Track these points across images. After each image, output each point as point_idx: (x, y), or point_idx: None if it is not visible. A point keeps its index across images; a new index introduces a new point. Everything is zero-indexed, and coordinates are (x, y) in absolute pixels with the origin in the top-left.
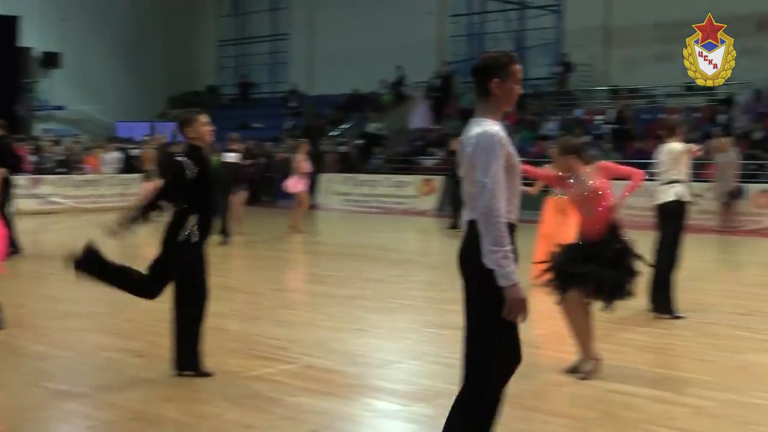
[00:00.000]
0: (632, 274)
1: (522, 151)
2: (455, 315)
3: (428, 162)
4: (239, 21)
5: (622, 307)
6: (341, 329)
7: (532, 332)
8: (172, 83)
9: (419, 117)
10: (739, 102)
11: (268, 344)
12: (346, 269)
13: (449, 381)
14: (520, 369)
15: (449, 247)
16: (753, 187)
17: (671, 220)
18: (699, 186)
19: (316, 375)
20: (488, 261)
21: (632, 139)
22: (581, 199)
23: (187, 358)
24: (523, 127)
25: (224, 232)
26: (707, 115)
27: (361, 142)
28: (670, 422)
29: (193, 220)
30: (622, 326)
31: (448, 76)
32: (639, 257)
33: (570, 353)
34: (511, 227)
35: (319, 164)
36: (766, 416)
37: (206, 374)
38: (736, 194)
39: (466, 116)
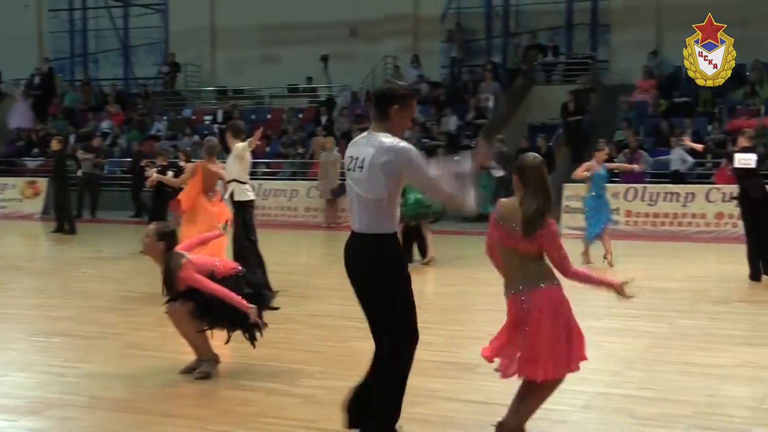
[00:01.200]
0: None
1: (129, 152)
2: (65, 322)
3: (32, 163)
4: None
5: None
6: None
7: (143, 335)
8: None
9: (19, 116)
10: (338, 103)
11: None
12: None
13: (61, 390)
14: (132, 372)
15: (57, 252)
16: None
17: (239, 216)
18: (304, 184)
19: None
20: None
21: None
22: None
23: None
24: (132, 127)
25: None
26: (311, 116)
27: None
28: (282, 413)
29: None
30: None
31: (49, 73)
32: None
33: (186, 353)
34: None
35: None
36: None
37: None
38: (338, 192)
39: (70, 116)
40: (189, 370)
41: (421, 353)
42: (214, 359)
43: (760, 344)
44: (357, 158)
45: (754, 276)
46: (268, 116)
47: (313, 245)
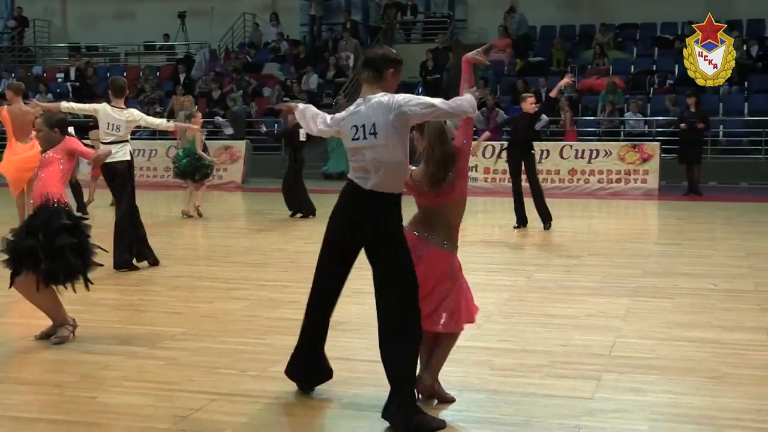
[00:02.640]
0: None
1: None
2: None
3: None
4: None
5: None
6: None
7: None
8: None
9: None
10: (197, 61)
11: None
12: None
13: None
14: None
15: None
16: (214, 144)
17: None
18: (163, 144)
19: None
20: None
21: (95, 98)
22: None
23: None
24: None
25: None
26: (168, 74)
27: None
28: (145, 376)
29: None
30: (96, 286)
31: None
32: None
33: (41, 318)
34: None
35: None
36: (233, 359)
37: None
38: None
39: None
40: (45, 336)
41: (283, 312)
42: (72, 324)
43: (610, 294)
44: (364, 125)
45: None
46: (124, 74)
47: (173, 206)
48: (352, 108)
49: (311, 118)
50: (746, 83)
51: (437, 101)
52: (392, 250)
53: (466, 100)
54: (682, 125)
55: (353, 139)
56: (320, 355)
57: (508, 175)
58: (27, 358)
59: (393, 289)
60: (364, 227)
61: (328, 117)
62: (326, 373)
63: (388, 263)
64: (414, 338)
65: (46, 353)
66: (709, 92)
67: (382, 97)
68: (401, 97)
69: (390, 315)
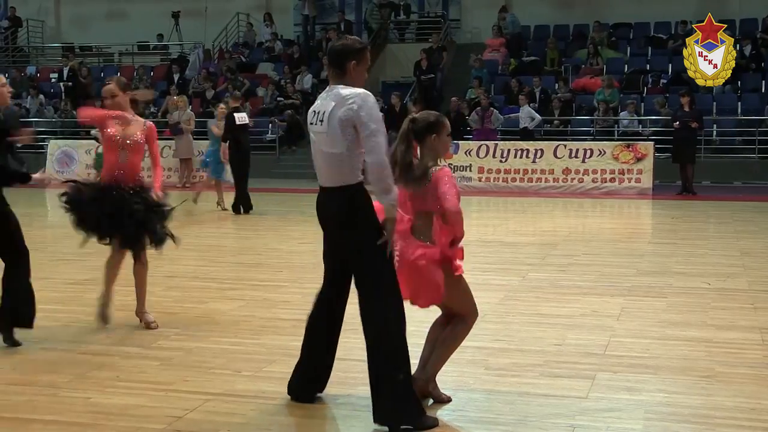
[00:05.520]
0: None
1: None
2: None
3: None
4: None
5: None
6: None
7: None
8: None
9: None
10: (191, 61)
11: None
12: None
13: None
14: None
15: None
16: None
17: None
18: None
19: None
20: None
21: (89, 98)
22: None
23: None
24: None
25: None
26: (162, 74)
27: None
28: (140, 376)
29: None
30: (89, 287)
31: None
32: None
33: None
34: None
35: None
36: (227, 359)
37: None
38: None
39: None
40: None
41: (277, 312)
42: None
43: (605, 294)
44: (318, 112)
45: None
46: (118, 74)
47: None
48: (322, 93)
49: None
50: (739, 83)
51: (377, 153)
52: (348, 249)
53: (393, 193)
54: (676, 124)
55: (310, 124)
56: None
57: (502, 174)
58: (21, 359)
59: (362, 300)
60: (323, 222)
61: None
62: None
63: (345, 263)
64: (374, 338)
65: (40, 354)
66: (702, 92)
67: (343, 89)
68: (360, 105)
69: (362, 319)
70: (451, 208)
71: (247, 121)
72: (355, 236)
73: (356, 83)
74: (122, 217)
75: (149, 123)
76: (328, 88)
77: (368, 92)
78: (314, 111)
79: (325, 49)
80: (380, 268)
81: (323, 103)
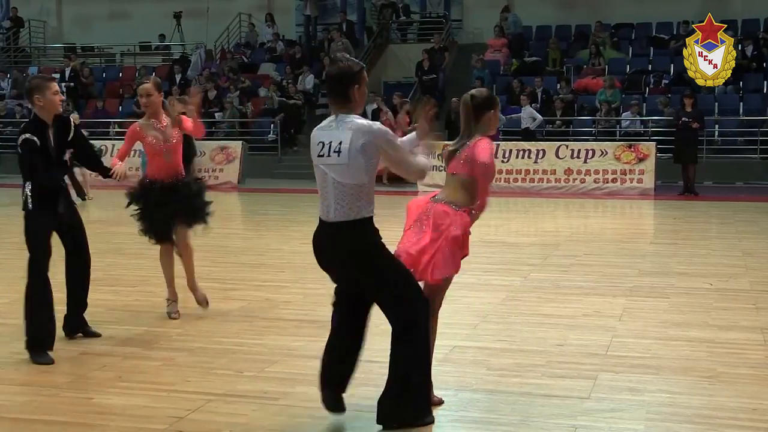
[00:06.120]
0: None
1: None
2: None
3: None
4: None
5: None
6: None
7: None
8: None
9: None
10: (193, 61)
11: None
12: None
13: None
14: None
15: None
16: (209, 144)
17: None
18: None
19: None
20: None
21: (91, 98)
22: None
23: None
24: None
25: None
26: (164, 74)
27: None
28: (141, 377)
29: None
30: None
31: None
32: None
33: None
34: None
35: None
36: (229, 360)
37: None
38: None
39: None
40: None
41: (279, 312)
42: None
43: (606, 294)
44: (331, 143)
45: None
46: (120, 74)
47: None
48: (324, 123)
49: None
50: (741, 83)
51: (412, 163)
52: (363, 282)
53: (426, 163)
54: (680, 122)
55: (318, 156)
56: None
57: (504, 175)
58: (23, 359)
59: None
60: (328, 260)
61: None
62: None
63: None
64: (413, 354)
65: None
66: (704, 92)
67: (357, 119)
68: (385, 136)
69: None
70: (485, 159)
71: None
72: (371, 267)
73: (360, 105)
74: (157, 211)
75: (179, 116)
76: (334, 117)
77: (382, 125)
78: (322, 142)
79: (327, 49)
80: (395, 278)
81: (335, 132)
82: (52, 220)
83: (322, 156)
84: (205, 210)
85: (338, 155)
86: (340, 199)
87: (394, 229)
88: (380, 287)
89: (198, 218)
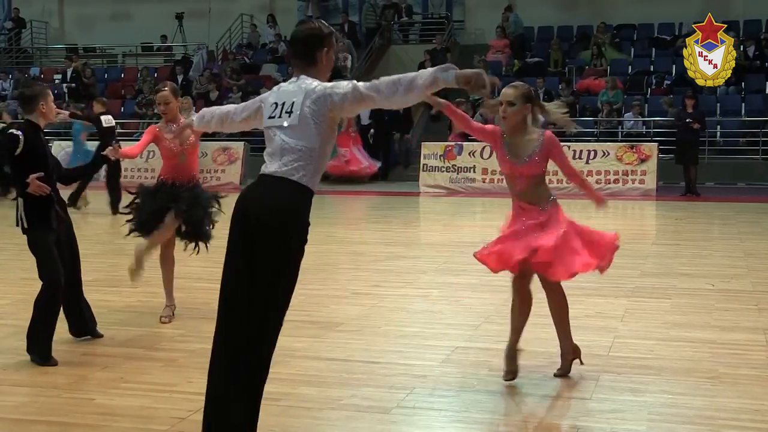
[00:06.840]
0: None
1: None
2: None
3: None
4: None
5: None
6: None
7: None
8: None
9: None
10: (194, 62)
11: None
12: None
13: None
14: None
15: None
16: (211, 145)
17: None
18: None
19: None
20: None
21: (92, 99)
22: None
23: None
24: None
25: None
26: (166, 75)
27: None
28: (143, 377)
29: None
30: (94, 288)
31: None
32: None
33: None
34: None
35: None
36: None
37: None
38: None
39: None
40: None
41: None
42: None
43: (608, 295)
44: (284, 103)
45: None
46: (122, 75)
47: None
48: (282, 84)
49: (221, 120)
50: (743, 84)
51: (377, 89)
52: (262, 263)
53: (424, 82)
54: (687, 121)
55: (269, 117)
56: None
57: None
58: (24, 360)
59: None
60: (245, 217)
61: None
62: None
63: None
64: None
65: None
66: (706, 92)
67: (313, 81)
68: (332, 89)
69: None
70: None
71: (113, 124)
72: (283, 253)
73: (325, 72)
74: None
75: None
76: (295, 78)
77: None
78: (276, 103)
79: None
80: (279, 307)
81: (289, 94)
82: (51, 233)
83: (273, 117)
84: (204, 223)
85: (289, 116)
86: (287, 161)
87: (394, 229)
88: (265, 299)
89: (196, 228)
